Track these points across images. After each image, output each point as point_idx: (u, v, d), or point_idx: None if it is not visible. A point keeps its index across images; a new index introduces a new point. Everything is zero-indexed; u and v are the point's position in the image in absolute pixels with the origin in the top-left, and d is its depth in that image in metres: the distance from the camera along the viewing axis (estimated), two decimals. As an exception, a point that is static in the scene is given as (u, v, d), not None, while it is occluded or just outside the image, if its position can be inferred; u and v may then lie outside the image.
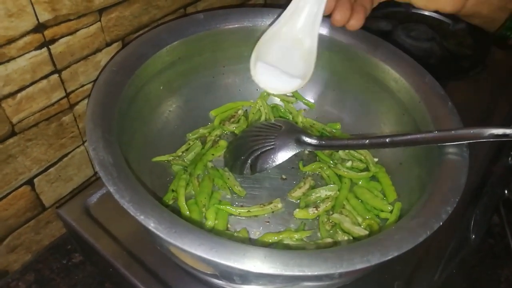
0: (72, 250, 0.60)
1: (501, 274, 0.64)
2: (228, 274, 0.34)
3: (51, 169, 0.55)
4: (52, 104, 0.51)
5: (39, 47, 0.46)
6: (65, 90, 0.51)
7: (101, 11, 0.50)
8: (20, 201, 0.53)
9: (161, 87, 0.51)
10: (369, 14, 0.47)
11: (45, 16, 0.45)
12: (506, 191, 0.68)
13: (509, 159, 0.65)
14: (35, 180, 0.54)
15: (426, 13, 0.84)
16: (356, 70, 0.53)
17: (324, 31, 0.52)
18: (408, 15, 0.86)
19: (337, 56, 0.54)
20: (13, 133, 0.48)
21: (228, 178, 0.51)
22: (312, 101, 0.60)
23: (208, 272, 0.36)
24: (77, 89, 0.53)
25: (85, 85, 0.53)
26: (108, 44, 0.53)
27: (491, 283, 0.63)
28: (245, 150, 0.51)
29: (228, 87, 0.58)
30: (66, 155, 0.56)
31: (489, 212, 0.62)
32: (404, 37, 0.80)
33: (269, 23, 0.52)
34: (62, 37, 0.48)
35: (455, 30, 0.84)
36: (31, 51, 0.45)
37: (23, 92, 0.47)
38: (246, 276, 0.32)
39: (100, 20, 0.51)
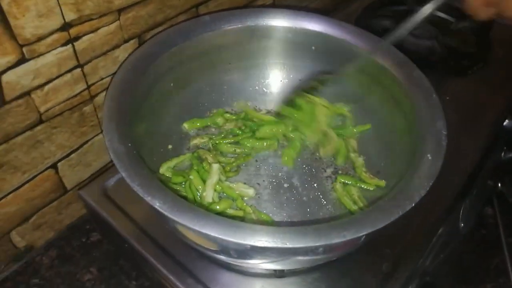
0: (91, 229, 0.66)
1: (491, 262, 0.68)
2: (225, 249, 0.38)
3: (73, 155, 0.61)
4: (75, 95, 0.56)
5: (65, 44, 0.51)
6: (87, 82, 0.57)
7: (120, 11, 0.55)
8: (45, 183, 0.59)
9: (172, 84, 0.56)
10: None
11: (70, 16, 0.50)
12: (499, 184, 0.71)
13: (502, 154, 0.69)
14: (59, 164, 0.59)
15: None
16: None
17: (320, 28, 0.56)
18: (412, 14, 0.89)
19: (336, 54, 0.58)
20: (40, 121, 0.53)
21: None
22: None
23: (210, 248, 0.41)
24: (97, 81, 0.58)
25: (104, 78, 0.58)
26: (125, 41, 0.58)
27: (481, 270, 0.67)
28: None
29: (232, 83, 0.63)
30: (86, 142, 0.61)
31: (479, 203, 0.65)
32: (407, 36, 0.83)
33: (270, 23, 0.57)
34: (85, 34, 0.53)
35: (457, 28, 0.86)
36: (58, 47, 0.50)
37: (50, 84, 0.52)
38: (240, 251, 0.37)
39: (119, 19, 0.56)
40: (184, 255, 0.50)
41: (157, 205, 0.35)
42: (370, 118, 0.58)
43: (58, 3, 0.48)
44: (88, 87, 0.57)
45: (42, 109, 0.53)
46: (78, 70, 0.54)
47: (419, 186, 0.37)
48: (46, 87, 0.52)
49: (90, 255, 0.63)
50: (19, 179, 0.55)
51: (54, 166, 0.59)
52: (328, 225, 0.34)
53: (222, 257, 0.43)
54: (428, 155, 0.40)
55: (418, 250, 0.52)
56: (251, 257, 0.40)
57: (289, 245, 0.32)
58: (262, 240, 0.33)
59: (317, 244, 0.32)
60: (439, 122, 0.43)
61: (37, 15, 0.46)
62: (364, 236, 0.33)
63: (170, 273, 0.48)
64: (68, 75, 0.54)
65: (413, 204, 0.36)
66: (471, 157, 0.63)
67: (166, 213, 0.34)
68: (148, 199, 0.35)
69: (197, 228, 0.34)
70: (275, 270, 0.48)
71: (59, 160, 0.59)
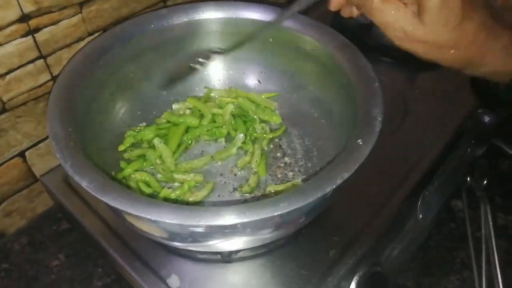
0: (62, 218, 0.68)
1: (456, 256, 0.67)
2: (152, 228, 0.40)
3: (41, 144, 0.62)
4: (39, 86, 0.58)
5: (25, 35, 0.53)
6: (51, 73, 0.58)
7: (81, 4, 0.57)
8: (13, 171, 0.61)
9: (131, 75, 0.57)
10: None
11: (28, 8, 0.51)
12: (468, 178, 0.71)
13: (468, 149, 0.68)
14: (27, 153, 0.61)
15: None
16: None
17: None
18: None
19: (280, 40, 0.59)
20: (4, 110, 0.55)
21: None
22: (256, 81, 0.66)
23: (156, 234, 0.42)
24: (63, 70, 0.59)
25: (69, 70, 0.60)
26: (90, 34, 0.60)
27: (445, 263, 0.67)
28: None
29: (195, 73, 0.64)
30: (54, 132, 0.63)
31: (443, 196, 0.65)
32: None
33: (229, 15, 0.57)
34: (45, 26, 0.54)
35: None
36: (17, 38, 0.52)
37: (12, 74, 0.54)
38: (164, 230, 0.38)
39: (81, 12, 0.57)
40: (136, 241, 0.52)
41: (84, 184, 0.36)
42: (311, 103, 0.60)
43: (15, -5, 0.50)
44: (53, 78, 0.59)
45: (5, 98, 0.55)
46: (41, 61, 0.56)
47: (344, 169, 0.37)
48: (7, 77, 0.54)
49: (59, 242, 0.65)
50: (-15, 166, 0.57)
51: (21, 154, 0.61)
52: (247, 205, 0.35)
53: (152, 237, 0.44)
54: (359, 140, 0.40)
55: (367, 239, 0.52)
56: (200, 241, 0.41)
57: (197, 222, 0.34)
58: (171, 218, 0.34)
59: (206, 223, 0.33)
60: (376, 109, 0.43)
61: (-6, 6, 0.48)
62: (278, 216, 0.34)
63: (118, 255, 0.49)
64: (31, 66, 0.55)
65: (334, 187, 0.36)
66: (432, 149, 0.63)
67: (92, 192, 0.36)
68: (77, 178, 0.37)
69: (119, 207, 0.35)
70: (221, 255, 0.49)
71: (27, 149, 0.61)
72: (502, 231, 0.72)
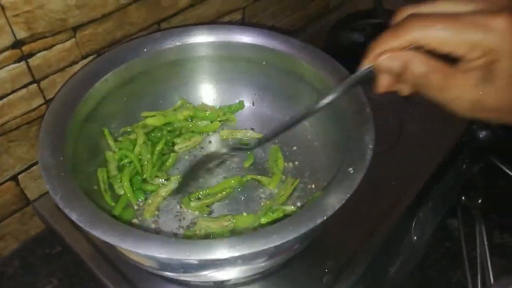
0: (54, 241, 0.67)
1: (453, 276, 0.67)
2: (143, 260, 0.39)
3: (34, 167, 0.62)
4: (33, 110, 0.58)
5: (18, 60, 0.53)
6: (44, 97, 0.58)
7: (75, 28, 0.57)
8: (6, 194, 0.60)
9: (125, 98, 0.57)
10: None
11: (22, 34, 0.52)
12: (463, 197, 0.71)
13: (463, 166, 0.68)
14: (19, 176, 0.61)
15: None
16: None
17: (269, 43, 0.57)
18: (383, 27, 0.89)
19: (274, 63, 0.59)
20: (-4, 135, 0.55)
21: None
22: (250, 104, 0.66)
23: (147, 265, 0.42)
24: (55, 97, 0.60)
25: (63, 93, 0.60)
26: (83, 57, 0.60)
27: (442, 283, 0.66)
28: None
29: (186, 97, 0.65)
30: (48, 155, 0.63)
31: (437, 216, 0.65)
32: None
33: (223, 39, 0.58)
34: (39, 51, 0.55)
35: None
36: (10, 64, 0.52)
37: (4, 100, 0.54)
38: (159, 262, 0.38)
39: (74, 36, 0.58)
40: (127, 267, 0.51)
41: (74, 217, 0.36)
42: (305, 125, 0.60)
43: (8, 22, 0.50)
44: (46, 101, 0.59)
45: (-3, 124, 0.55)
46: (34, 85, 0.56)
47: (335, 200, 0.37)
48: (0, 102, 0.54)
49: (52, 265, 0.64)
50: (-23, 191, 0.57)
51: (14, 178, 0.60)
52: (236, 238, 0.35)
53: (143, 267, 0.44)
54: (350, 169, 0.40)
55: (362, 262, 0.52)
56: (195, 272, 0.41)
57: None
58: (162, 252, 0.34)
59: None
60: (367, 136, 0.43)
61: (-14, 33, 0.48)
62: (272, 248, 0.34)
63: (110, 282, 0.49)
64: (24, 91, 0.55)
65: (325, 218, 0.36)
66: (427, 169, 0.63)
67: (82, 225, 0.36)
68: (66, 211, 0.36)
69: (112, 242, 0.35)
70: (214, 283, 0.49)
71: (20, 173, 0.61)
72: (498, 249, 0.72)
